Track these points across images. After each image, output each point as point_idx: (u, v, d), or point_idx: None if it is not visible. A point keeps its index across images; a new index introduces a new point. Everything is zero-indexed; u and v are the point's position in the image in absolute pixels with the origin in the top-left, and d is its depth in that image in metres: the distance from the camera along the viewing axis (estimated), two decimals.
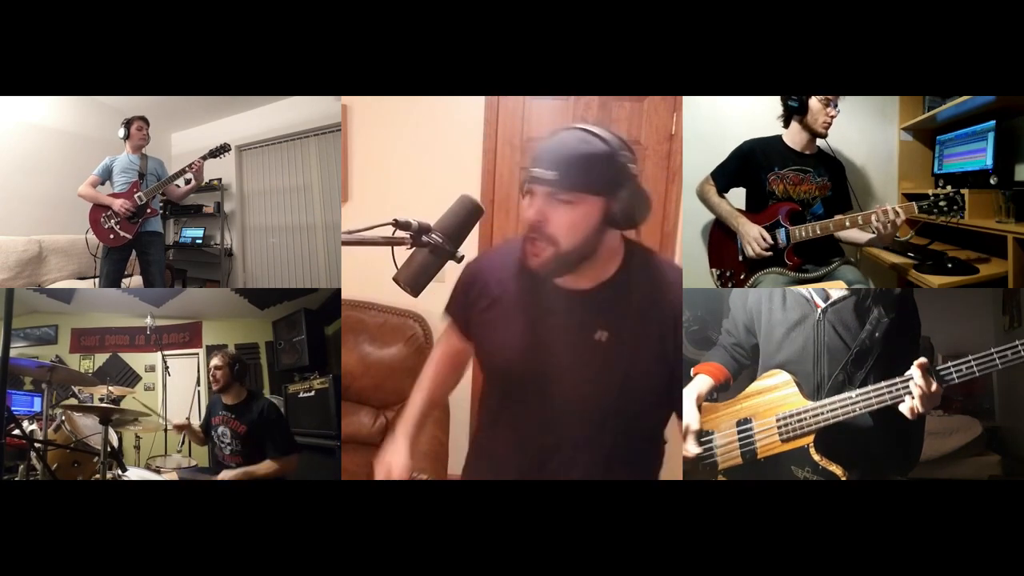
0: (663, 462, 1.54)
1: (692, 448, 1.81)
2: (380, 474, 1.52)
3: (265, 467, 2.53)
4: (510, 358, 1.38)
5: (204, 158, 3.04)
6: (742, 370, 1.96)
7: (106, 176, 3.04)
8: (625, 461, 1.41)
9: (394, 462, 1.51)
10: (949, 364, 1.55)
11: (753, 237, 2.48)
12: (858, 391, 1.68)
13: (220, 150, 3.07)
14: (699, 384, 1.91)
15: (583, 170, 1.20)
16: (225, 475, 2.52)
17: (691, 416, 1.83)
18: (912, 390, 1.57)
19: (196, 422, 2.91)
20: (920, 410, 1.56)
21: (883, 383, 1.65)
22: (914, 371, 1.56)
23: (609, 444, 1.36)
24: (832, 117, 2.46)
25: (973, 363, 1.54)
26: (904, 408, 1.58)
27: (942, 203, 2.21)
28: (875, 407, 1.66)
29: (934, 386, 1.54)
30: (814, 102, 2.44)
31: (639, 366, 1.30)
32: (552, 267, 1.27)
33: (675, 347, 1.32)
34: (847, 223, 2.38)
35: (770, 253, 2.46)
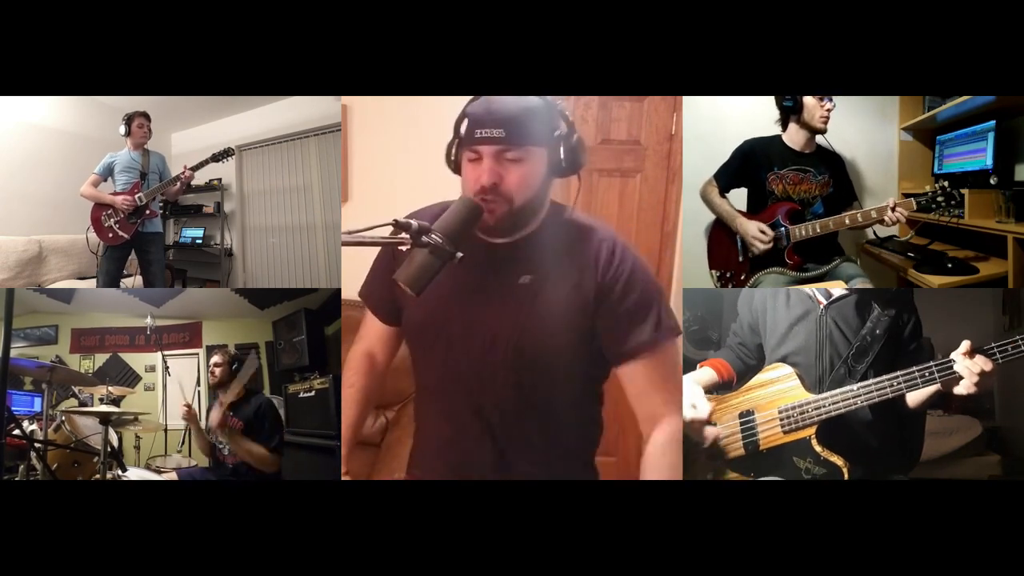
0: (600, 435, 1.49)
1: (703, 411, 1.80)
2: None
3: (257, 449, 2.55)
4: (438, 316, 1.36)
5: (206, 162, 3.03)
6: (748, 371, 1.96)
7: (107, 173, 3.03)
8: (558, 424, 1.36)
9: None
10: (993, 344, 1.55)
11: (753, 235, 2.48)
12: (859, 384, 1.69)
13: (223, 154, 3.06)
14: (700, 374, 1.91)
15: (526, 123, 1.24)
16: (220, 440, 2.55)
17: (697, 397, 1.82)
18: (962, 373, 1.55)
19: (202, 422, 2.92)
20: (974, 390, 1.55)
21: (884, 376, 1.66)
22: (957, 356, 1.56)
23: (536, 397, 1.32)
24: (828, 111, 2.45)
25: (1020, 341, 1.53)
26: (961, 388, 1.57)
27: (939, 198, 2.21)
28: (876, 400, 1.67)
29: (985, 364, 1.53)
30: (808, 99, 2.44)
31: (558, 307, 1.30)
32: (506, 223, 1.28)
33: (594, 299, 1.30)
34: (847, 221, 2.38)
35: (771, 245, 2.46)
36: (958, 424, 2.63)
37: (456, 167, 1.33)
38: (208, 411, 2.88)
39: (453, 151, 1.33)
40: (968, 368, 1.54)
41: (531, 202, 1.28)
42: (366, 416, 1.61)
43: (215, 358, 2.67)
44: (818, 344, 1.80)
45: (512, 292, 1.32)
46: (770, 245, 2.46)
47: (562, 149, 1.27)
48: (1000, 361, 1.54)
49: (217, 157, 3.05)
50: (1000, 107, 2.35)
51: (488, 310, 1.33)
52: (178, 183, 3.00)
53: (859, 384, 1.69)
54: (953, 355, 1.57)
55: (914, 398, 1.69)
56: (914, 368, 1.62)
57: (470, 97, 1.30)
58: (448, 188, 1.38)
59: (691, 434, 1.80)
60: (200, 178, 3.36)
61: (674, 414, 1.34)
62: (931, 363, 1.61)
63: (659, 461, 1.32)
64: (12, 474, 2.28)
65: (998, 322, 2.60)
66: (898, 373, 1.64)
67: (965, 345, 1.55)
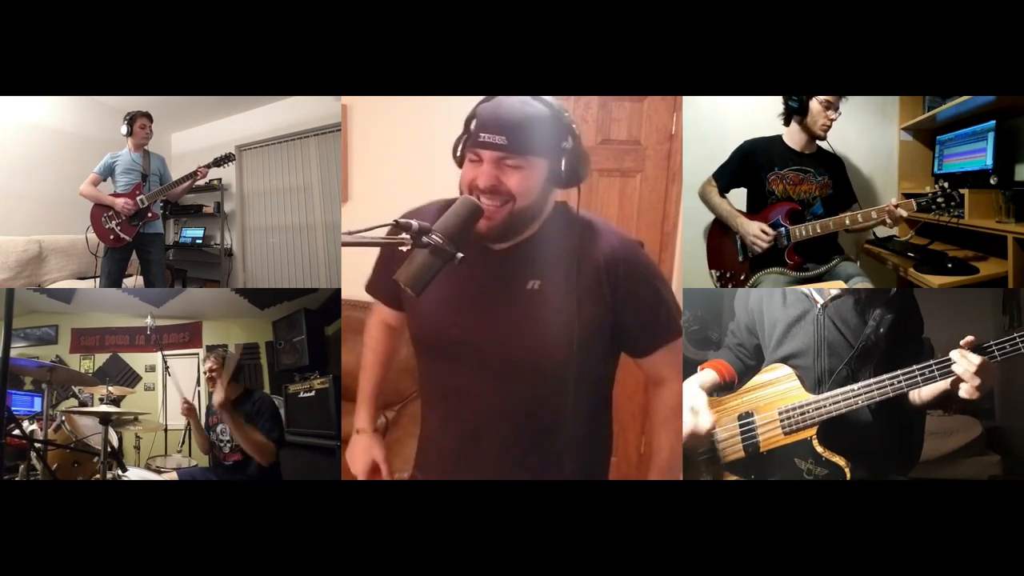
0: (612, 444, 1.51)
1: (704, 422, 1.78)
2: (358, 473, 1.55)
3: (257, 436, 2.53)
4: (444, 325, 1.36)
5: (209, 166, 3.04)
6: (748, 371, 1.97)
7: (107, 174, 3.03)
8: (575, 438, 1.35)
9: (358, 458, 1.56)
10: (991, 342, 1.54)
11: (754, 234, 2.48)
12: (859, 384, 1.69)
13: (224, 159, 3.07)
14: (701, 376, 1.91)
15: (530, 133, 1.24)
16: (220, 410, 2.54)
17: (700, 405, 1.81)
18: (960, 373, 1.54)
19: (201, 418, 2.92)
20: (975, 394, 1.53)
21: (884, 376, 1.66)
22: (955, 354, 1.55)
23: (561, 408, 1.30)
24: (832, 120, 2.46)
25: (1019, 340, 1.52)
26: (963, 392, 1.55)
27: (939, 199, 2.21)
28: (877, 399, 1.67)
29: (979, 361, 1.51)
30: (814, 104, 2.44)
31: (582, 315, 1.28)
32: (502, 228, 1.27)
33: (611, 297, 1.30)
34: (847, 221, 2.38)
35: (771, 244, 2.46)
36: (958, 424, 2.63)
37: (460, 162, 1.32)
38: (207, 412, 2.88)
39: (460, 147, 1.32)
40: (965, 367, 1.53)
41: (529, 208, 1.27)
42: (387, 376, 1.67)
43: (209, 363, 2.68)
44: (816, 345, 1.80)
45: (520, 299, 1.31)
46: (770, 244, 2.46)
47: (564, 162, 1.26)
48: (999, 359, 1.53)
49: (219, 162, 3.06)
50: (1000, 107, 2.35)
51: (496, 318, 1.32)
52: (198, 179, 3.01)
53: (859, 384, 1.69)
54: (952, 353, 1.56)
55: (918, 396, 1.68)
56: (914, 367, 1.62)
57: (481, 97, 1.29)
58: (448, 187, 1.38)
59: (687, 442, 1.79)
60: None
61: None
62: (931, 362, 1.61)
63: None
64: (12, 474, 2.28)
65: (998, 322, 2.60)
66: (898, 372, 1.64)
67: (965, 340, 1.54)
